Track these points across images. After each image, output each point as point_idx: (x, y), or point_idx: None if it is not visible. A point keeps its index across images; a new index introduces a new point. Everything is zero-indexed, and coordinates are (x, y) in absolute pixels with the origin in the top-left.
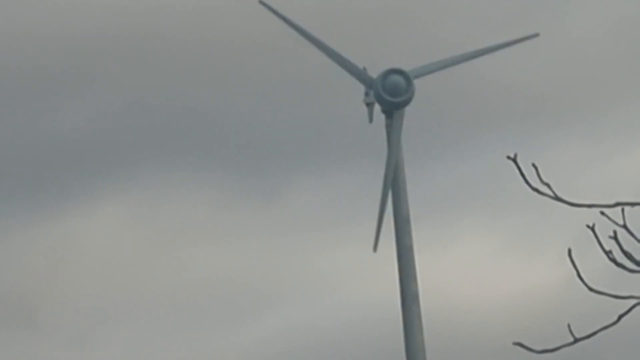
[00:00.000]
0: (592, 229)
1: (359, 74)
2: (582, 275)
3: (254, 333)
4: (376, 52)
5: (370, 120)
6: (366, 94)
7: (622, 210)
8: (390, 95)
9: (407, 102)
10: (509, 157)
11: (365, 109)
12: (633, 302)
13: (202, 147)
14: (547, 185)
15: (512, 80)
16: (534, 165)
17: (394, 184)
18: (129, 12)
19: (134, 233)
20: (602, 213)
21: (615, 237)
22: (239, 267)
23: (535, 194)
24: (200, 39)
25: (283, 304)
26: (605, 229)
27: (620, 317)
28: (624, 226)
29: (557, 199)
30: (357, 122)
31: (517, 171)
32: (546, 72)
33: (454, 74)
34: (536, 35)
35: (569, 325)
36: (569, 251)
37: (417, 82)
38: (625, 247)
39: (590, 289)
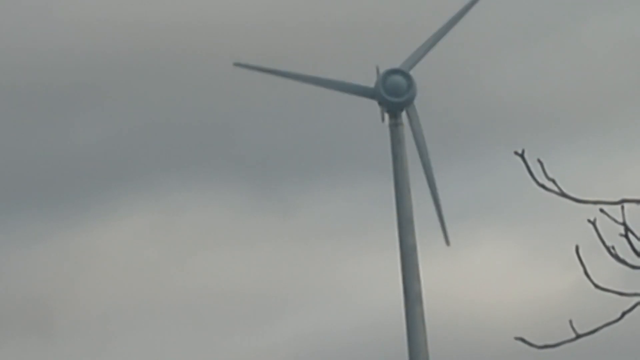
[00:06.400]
0: (594, 223)
1: (363, 92)
2: (589, 273)
3: (270, 339)
4: (386, 54)
5: (382, 119)
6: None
7: (622, 207)
8: (393, 95)
9: (410, 101)
10: (516, 153)
11: (378, 110)
12: (638, 299)
13: (219, 158)
14: (553, 181)
15: (524, 92)
16: (539, 160)
17: (397, 184)
18: (145, 28)
19: (152, 242)
20: (602, 210)
21: (626, 235)
22: (254, 275)
23: (542, 193)
24: (214, 53)
25: (297, 311)
26: (612, 228)
27: (623, 314)
28: (624, 223)
29: (563, 194)
30: (368, 133)
31: (524, 167)
32: (557, 85)
33: (472, 88)
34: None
35: (570, 322)
36: (577, 248)
37: (424, 89)
38: (628, 245)
39: (596, 286)
